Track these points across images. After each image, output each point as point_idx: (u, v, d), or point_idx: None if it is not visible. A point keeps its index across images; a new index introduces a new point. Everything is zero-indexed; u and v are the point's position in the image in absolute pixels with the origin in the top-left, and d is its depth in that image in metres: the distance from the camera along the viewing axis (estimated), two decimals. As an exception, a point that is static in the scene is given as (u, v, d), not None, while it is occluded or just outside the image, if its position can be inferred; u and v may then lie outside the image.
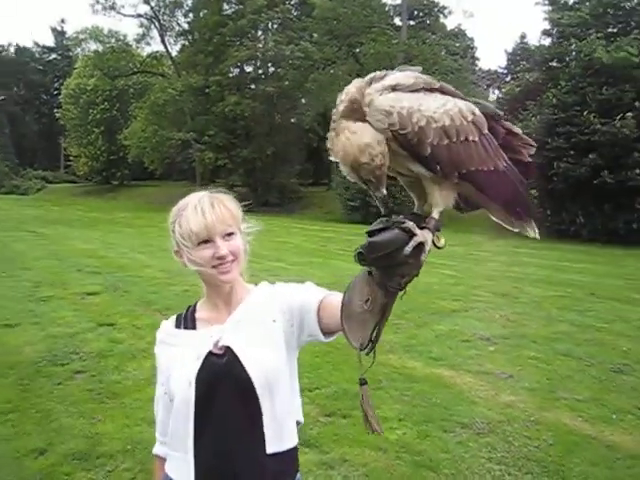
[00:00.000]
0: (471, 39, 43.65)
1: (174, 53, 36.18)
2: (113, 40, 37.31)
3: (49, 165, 52.66)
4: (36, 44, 57.72)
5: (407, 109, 1.00)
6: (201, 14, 32.63)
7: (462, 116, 1.04)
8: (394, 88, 1.02)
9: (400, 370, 4.79)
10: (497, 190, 1.09)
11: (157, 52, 37.55)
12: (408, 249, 0.98)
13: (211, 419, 1.27)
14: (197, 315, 1.42)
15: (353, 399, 4.10)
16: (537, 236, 1.15)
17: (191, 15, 34.75)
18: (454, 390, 4.45)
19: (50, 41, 58.25)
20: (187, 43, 35.08)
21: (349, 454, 3.36)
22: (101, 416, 3.87)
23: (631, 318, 6.86)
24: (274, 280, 1.48)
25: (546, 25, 24.48)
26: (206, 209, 1.30)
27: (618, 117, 16.84)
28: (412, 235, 0.99)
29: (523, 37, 42.08)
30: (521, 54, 39.24)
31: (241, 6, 30.14)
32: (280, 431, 1.29)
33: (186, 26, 35.21)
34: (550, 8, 23.41)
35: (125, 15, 35.42)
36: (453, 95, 1.07)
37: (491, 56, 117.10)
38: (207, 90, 29.60)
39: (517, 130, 1.15)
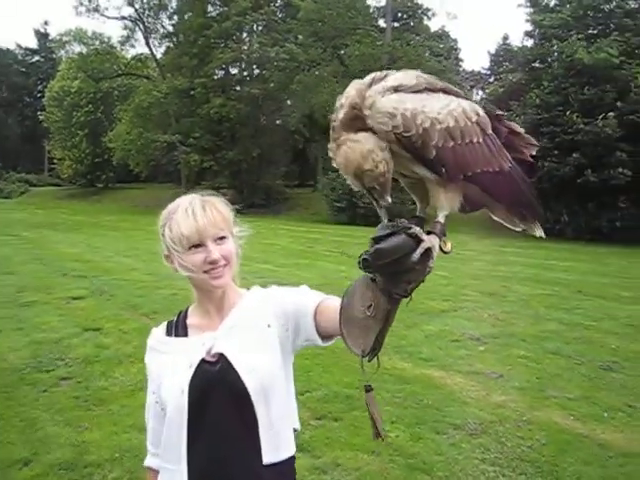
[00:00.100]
0: (455, 40, 44.14)
1: (159, 55, 36.08)
2: (97, 42, 36.86)
3: (33, 168, 51.90)
4: (19, 46, 57.05)
5: (411, 111, 0.96)
6: (186, 16, 32.48)
7: (466, 117, 1.01)
8: (396, 89, 0.98)
9: (390, 371, 4.75)
10: (503, 191, 1.08)
11: (142, 54, 37.34)
12: (416, 255, 0.95)
13: (204, 426, 1.23)
14: (188, 322, 1.38)
15: (344, 402, 4.07)
16: (543, 235, 1.13)
17: (175, 17, 34.60)
18: (445, 391, 4.44)
19: (33, 43, 57.59)
20: (172, 45, 34.90)
21: (341, 458, 3.33)
22: (88, 424, 3.79)
23: (618, 315, 6.93)
24: (262, 283, 1.44)
25: (528, 27, 24.81)
26: (197, 212, 1.26)
27: (600, 117, 17.11)
28: (419, 241, 0.96)
29: (506, 38, 42.46)
30: (504, 55, 39.54)
31: (226, 8, 30.07)
32: (277, 440, 1.26)
33: (171, 28, 35.11)
34: (532, 10, 23.73)
35: (109, 17, 35.31)
36: (457, 95, 1.04)
37: (474, 57, 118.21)
38: (192, 92, 29.43)
39: (519, 129, 1.13)
